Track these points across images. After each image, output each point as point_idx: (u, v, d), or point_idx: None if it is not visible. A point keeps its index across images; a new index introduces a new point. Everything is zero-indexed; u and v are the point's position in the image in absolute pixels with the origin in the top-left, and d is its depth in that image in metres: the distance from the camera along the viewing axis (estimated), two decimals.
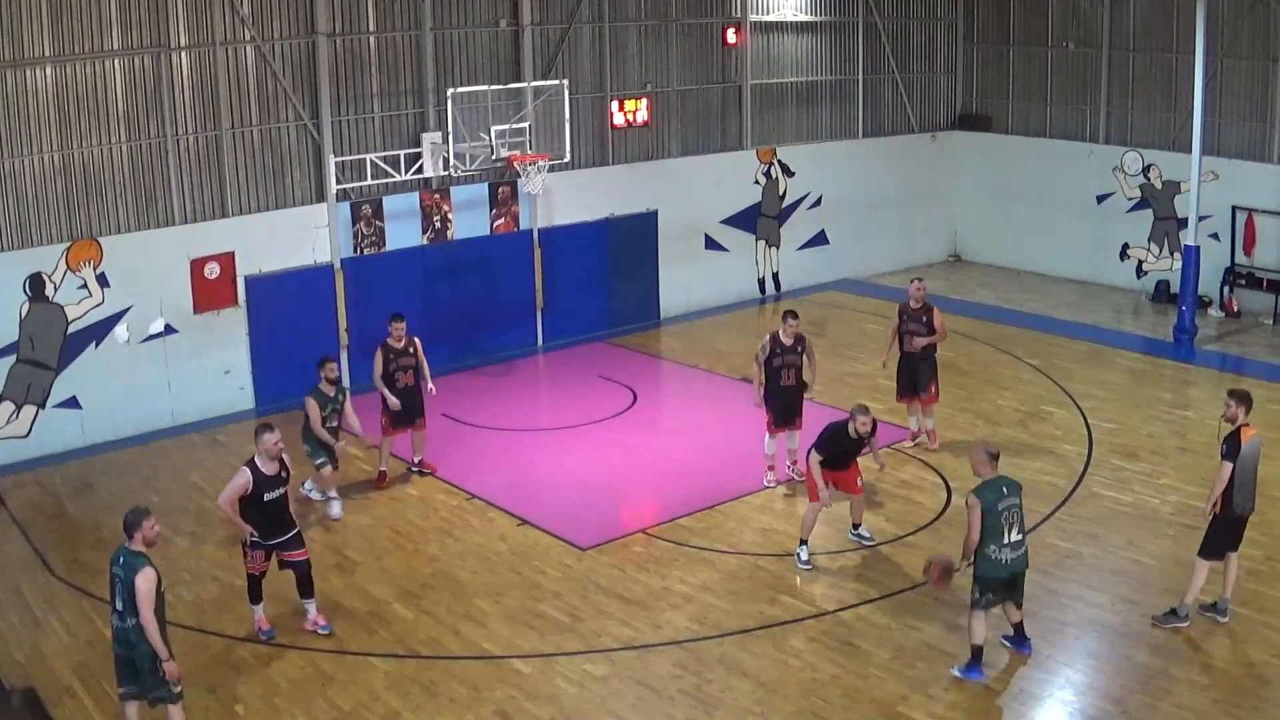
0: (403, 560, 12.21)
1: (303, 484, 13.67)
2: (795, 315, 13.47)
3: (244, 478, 10.17)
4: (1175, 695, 9.35)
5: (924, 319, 14.42)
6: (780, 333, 13.41)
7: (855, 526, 12.37)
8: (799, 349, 13.42)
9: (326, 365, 13.22)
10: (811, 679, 9.82)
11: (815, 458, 11.75)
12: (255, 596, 10.63)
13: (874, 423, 11.79)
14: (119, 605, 8.48)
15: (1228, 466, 10.00)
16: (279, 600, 11.13)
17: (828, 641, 10.39)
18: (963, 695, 9.45)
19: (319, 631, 10.69)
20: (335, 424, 13.11)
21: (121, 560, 8.48)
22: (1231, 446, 10.03)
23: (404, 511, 13.41)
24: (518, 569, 11.90)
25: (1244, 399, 10.16)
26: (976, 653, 9.69)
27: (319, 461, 13.06)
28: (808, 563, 11.82)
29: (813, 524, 11.90)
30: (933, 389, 14.56)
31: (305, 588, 10.69)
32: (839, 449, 11.82)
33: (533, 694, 9.69)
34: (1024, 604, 9.98)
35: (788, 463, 13.82)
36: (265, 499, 10.22)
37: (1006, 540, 9.47)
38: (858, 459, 12.07)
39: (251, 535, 10.27)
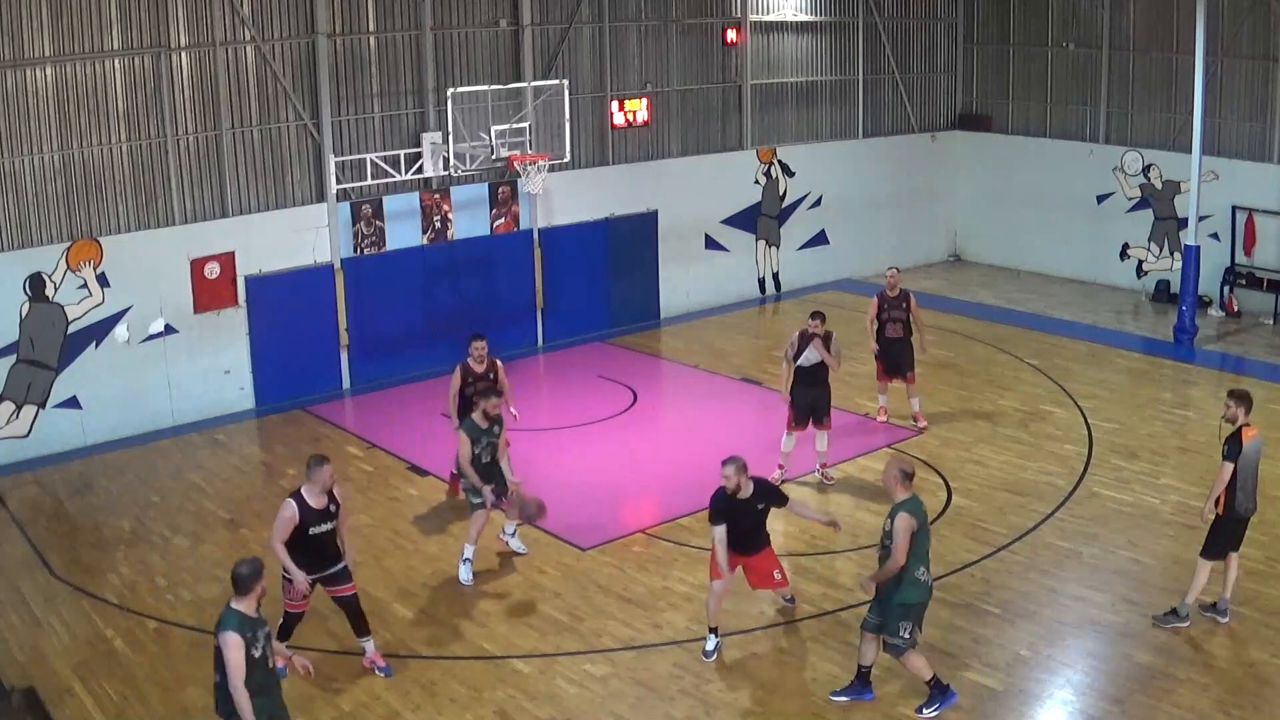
0: (403, 560, 12.21)
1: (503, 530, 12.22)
2: (822, 316, 13.55)
3: (290, 511, 9.31)
4: (1176, 695, 9.35)
5: (903, 305, 15.12)
6: (807, 330, 13.50)
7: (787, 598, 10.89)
8: (826, 347, 13.45)
9: (486, 404, 11.23)
10: (811, 679, 9.82)
11: (716, 532, 9.87)
12: (285, 633, 9.72)
13: (752, 482, 9.82)
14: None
15: (1228, 467, 9.99)
16: (278, 600, 11.13)
17: (828, 641, 10.39)
18: (963, 696, 9.43)
19: (377, 672, 9.96)
20: (489, 459, 11.37)
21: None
22: (1233, 447, 10.02)
23: (404, 511, 13.41)
24: (518, 569, 11.90)
25: (1243, 399, 10.15)
26: (934, 682, 9.16)
27: (475, 501, 11.42)
28: (712, 654, 10.05)
29: (716, 608, 10.04)
30: (914, 372, 15.25)
31: (358, 624, 9.91)
32: (730, 514, 9.84)
33: (533, 694, 9.69)
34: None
35: (817, 465, 13.79)
36: (310, 533, 9.38)
37: (929, 562, 8.99)
38: (769, 546, 10.25)
39: (303, 580, 9.42)
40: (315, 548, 9.45)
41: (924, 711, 9.19)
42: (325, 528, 9.47)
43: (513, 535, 12.17)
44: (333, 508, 9.50)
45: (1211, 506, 10.16)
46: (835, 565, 11.86)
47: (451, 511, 13.34)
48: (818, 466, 13.76)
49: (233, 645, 7.31)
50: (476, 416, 11.28)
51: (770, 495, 10.12)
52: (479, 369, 12.69)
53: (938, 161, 24.58)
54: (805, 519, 11.11)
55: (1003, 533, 12.35)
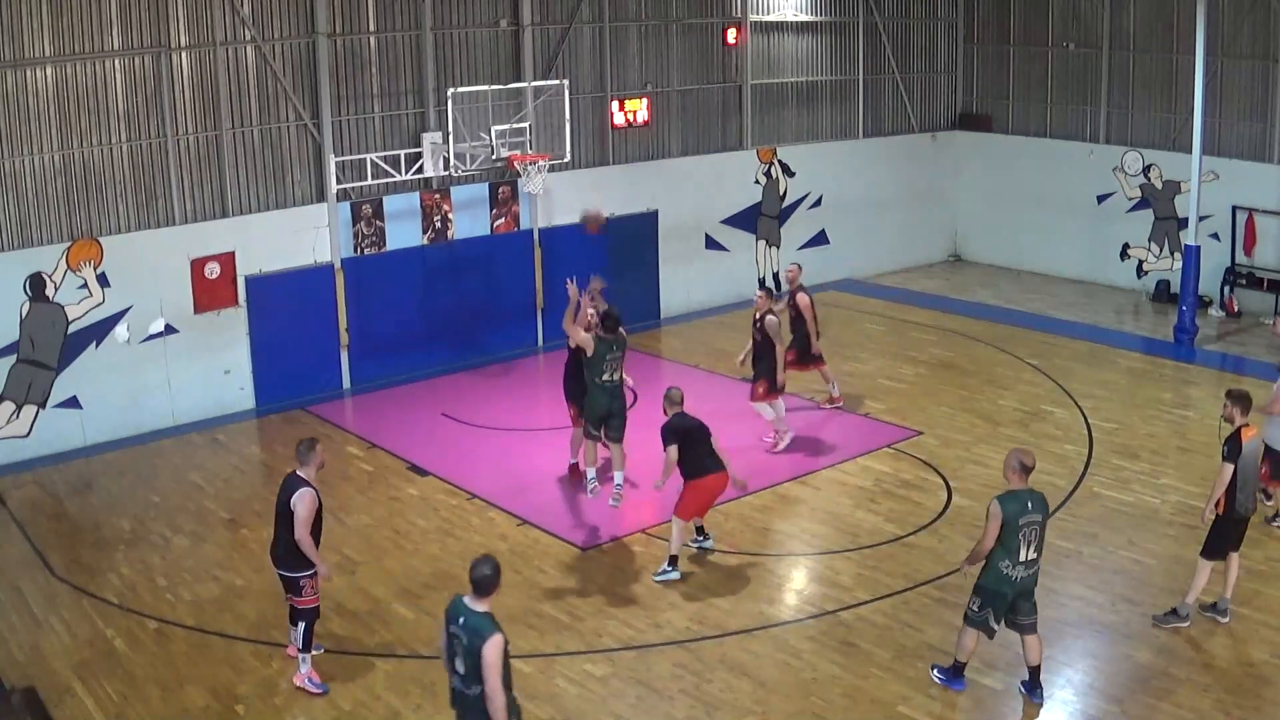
0: (403, 560, 12.21)
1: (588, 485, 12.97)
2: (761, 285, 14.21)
3: (311, 497, 9.38)
4: (1176, 695, 9.35)
5: (792, 300, 15.53)
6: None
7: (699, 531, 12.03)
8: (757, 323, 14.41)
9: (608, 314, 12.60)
10: (812, 679, 9.82)
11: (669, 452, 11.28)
12: (310, 639, 9.76)
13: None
14: (461, 669, 7.24)
15: (1228, 468, 10.00)
16: (279, 600, 11.14)
17: (828, 641, 10.40)
18: (963, 696, 9.45)
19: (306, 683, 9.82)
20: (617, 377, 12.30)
21: (462, 620, 7.19)
22: (1233, 448, 10.03)
23: (404, 511, 13.41)
24: (518, 569, 11.90)
25: (1240, 399, 10.16)
26: (959, 667, 9.46)
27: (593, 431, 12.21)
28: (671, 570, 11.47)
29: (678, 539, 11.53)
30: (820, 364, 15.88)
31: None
32: (684, 437, 11.24)
33: (533, 694, 9.68)
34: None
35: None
36: (322, 520, 9.64)
37: (1022, 558, 8.96)
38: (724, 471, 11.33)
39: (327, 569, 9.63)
40: (319, 535, 9.57)
41: (934, 671, 9.63)
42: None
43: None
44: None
45: (1212, 508, 10.17)
46: (835, 565, 11.86)
47: (452, 511, 13.35)
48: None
49: (503, 646, 7.04)
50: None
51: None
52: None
53: (938, 161, 24.58)
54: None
55: None
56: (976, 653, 9.99)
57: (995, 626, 9.21)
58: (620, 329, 12.77)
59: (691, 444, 11.31)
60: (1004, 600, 9.11)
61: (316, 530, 9.51)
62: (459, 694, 7.30)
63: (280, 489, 9.54)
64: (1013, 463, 9.07)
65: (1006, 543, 8.93)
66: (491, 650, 6.97)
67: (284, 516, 9.42)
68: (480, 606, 7.17)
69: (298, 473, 9.48)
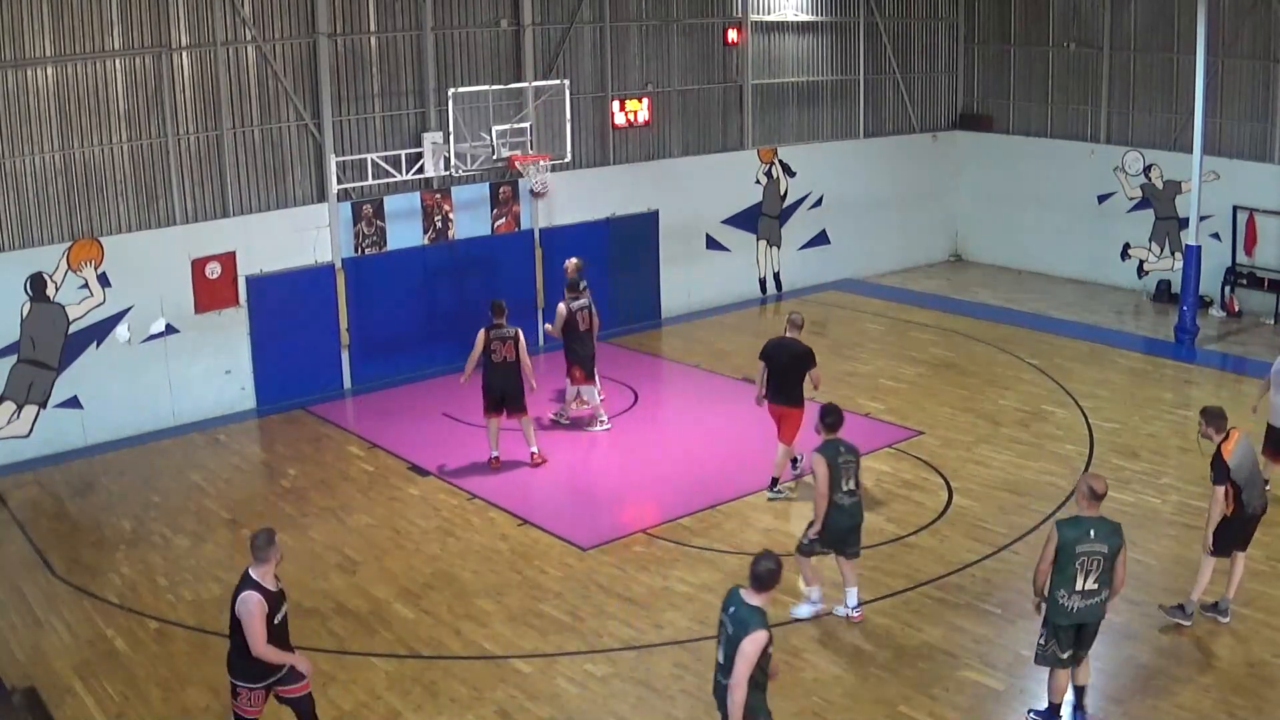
0: (404, 560, 12.21)
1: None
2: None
3: (253, 602, 7.79)
4: (1177, 695, 9.35)
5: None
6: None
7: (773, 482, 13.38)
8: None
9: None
10: (813, 679, 9.82)
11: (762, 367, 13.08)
12: None
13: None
14: (721, 658, 7.29)
15: (1219, 490, 10.01)
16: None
17: (828, 641, 10.39)
18: (963, 696, 9.45)
19: None
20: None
21: (733, 610, 7.25)
22: (1219, 470, 9.99)
23: (405, 511, 13.41)
24: (519, 569, 11.91)
25: (1213, 417, 10.11)
26: (1055, 708, 8.88)
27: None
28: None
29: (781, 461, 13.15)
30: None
31: None
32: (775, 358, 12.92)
33: (534, 694, 9.69)
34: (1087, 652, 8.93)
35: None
36: (275, 622, 7.99)
37: (1078, 587, 8.46)
38: (799, 405, 12.88)
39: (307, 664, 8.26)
40: (278, 639, 8.02)
41: (1030, 714, 9.07)
42: (282, 612, 8.08)
43: (855, 608, 10.80)
44: (281, 589, 8.12)
45: (1210, 536, 10.14)
46: (835, 565, 11.84)
47: (453, 511, 13.35)
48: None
49: (763, 644, 7.02)
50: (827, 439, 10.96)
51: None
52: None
53: (939, 161, 24.58)
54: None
55: (1004, 533, 12.35)
56: (977, 653, 10.01)
57: (1063, 657, 8.71)
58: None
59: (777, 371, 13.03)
60: (1065, 633, 8.62)
61: (281, 632, 8.08)
62: (718, 684, 7.37)
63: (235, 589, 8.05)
64: (1082, 487, 8.64)
65: (1063, 570, 8.48)
66: (750, 645, 6.99)
67: (235, 623, 7.97)
68: (755, 600, 7.22)
69: (249, 571, 7.95)
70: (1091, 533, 8.49)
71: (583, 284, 15.40)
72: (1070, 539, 8.46)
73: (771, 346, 13.19)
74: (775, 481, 13.35)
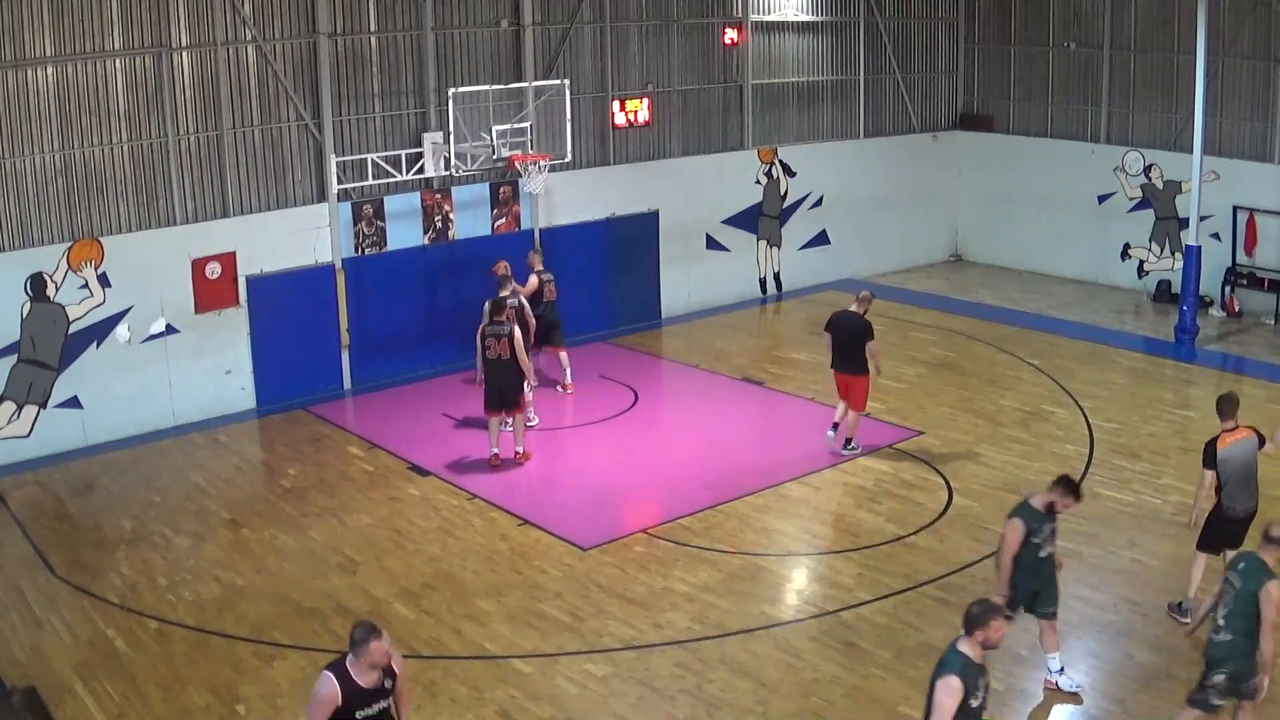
0: (404, 560, 12.21)
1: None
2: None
3: (329, 689, 6.83)
4: (1177, 695, 9.31)
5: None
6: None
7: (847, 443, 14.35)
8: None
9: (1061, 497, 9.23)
10: (813, 679, 9.82)
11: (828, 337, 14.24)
12: None
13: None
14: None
15: (1207, 474, 10.13)
16: (279, 600, 11.15)
17: (828, 641, 10.39)
18: None
19: None
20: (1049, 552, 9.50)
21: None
22: (1208, 455, 10.14)
23: (405, 511, 13.41)
24: (519, 569, 11.91)
25: (1222, 404, 10.28)
26: None
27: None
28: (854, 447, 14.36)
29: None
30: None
31: None
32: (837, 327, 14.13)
33: (534, 694, 9.69)
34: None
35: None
36: (357, 717, 6.95)
37: (1215, 618, 8.33)
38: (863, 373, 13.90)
39: None
40: None
41: None
42: (373, 709, 6.99)
43: (1060, 673, 9.73)
44: (388, 684, 7.05)
45: (1196, 513, 10.23)
46: (836, 565, 11.86)
47: (453, 511, 13.35)
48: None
49: (953, 690, 6.66)
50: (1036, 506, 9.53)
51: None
52: None
53: (939, 161, 24.57)
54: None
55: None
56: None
57: (1216, 704, 8.36)
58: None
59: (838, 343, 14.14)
60: (1219, 667, 8.29)
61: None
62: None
63: None
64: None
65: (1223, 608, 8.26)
66: (941, 687, 6.73)
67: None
68: (964, 647, 6.86)
69: (344, 660, 7.01)
70: (1240, 564, 8.28)
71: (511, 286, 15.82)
72: (1235, 579, 8.19)
73: (835, 319, 14.38)
74: (849, 441, 14.41)
